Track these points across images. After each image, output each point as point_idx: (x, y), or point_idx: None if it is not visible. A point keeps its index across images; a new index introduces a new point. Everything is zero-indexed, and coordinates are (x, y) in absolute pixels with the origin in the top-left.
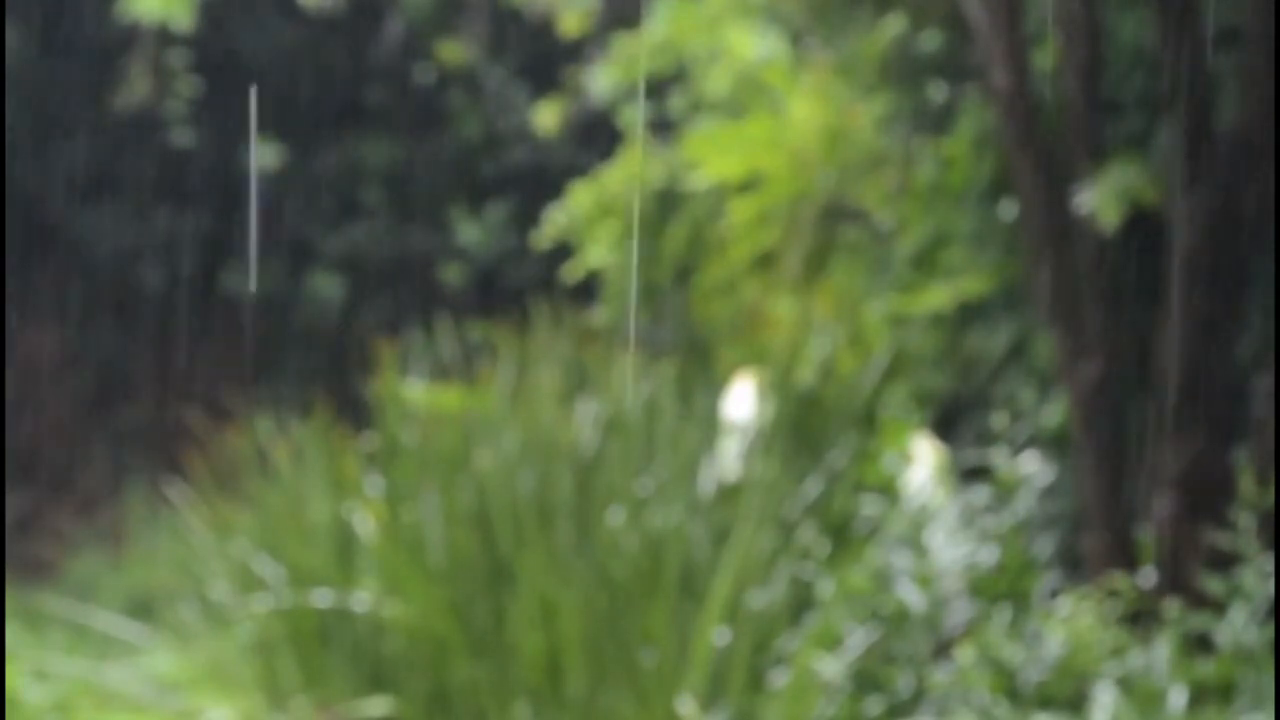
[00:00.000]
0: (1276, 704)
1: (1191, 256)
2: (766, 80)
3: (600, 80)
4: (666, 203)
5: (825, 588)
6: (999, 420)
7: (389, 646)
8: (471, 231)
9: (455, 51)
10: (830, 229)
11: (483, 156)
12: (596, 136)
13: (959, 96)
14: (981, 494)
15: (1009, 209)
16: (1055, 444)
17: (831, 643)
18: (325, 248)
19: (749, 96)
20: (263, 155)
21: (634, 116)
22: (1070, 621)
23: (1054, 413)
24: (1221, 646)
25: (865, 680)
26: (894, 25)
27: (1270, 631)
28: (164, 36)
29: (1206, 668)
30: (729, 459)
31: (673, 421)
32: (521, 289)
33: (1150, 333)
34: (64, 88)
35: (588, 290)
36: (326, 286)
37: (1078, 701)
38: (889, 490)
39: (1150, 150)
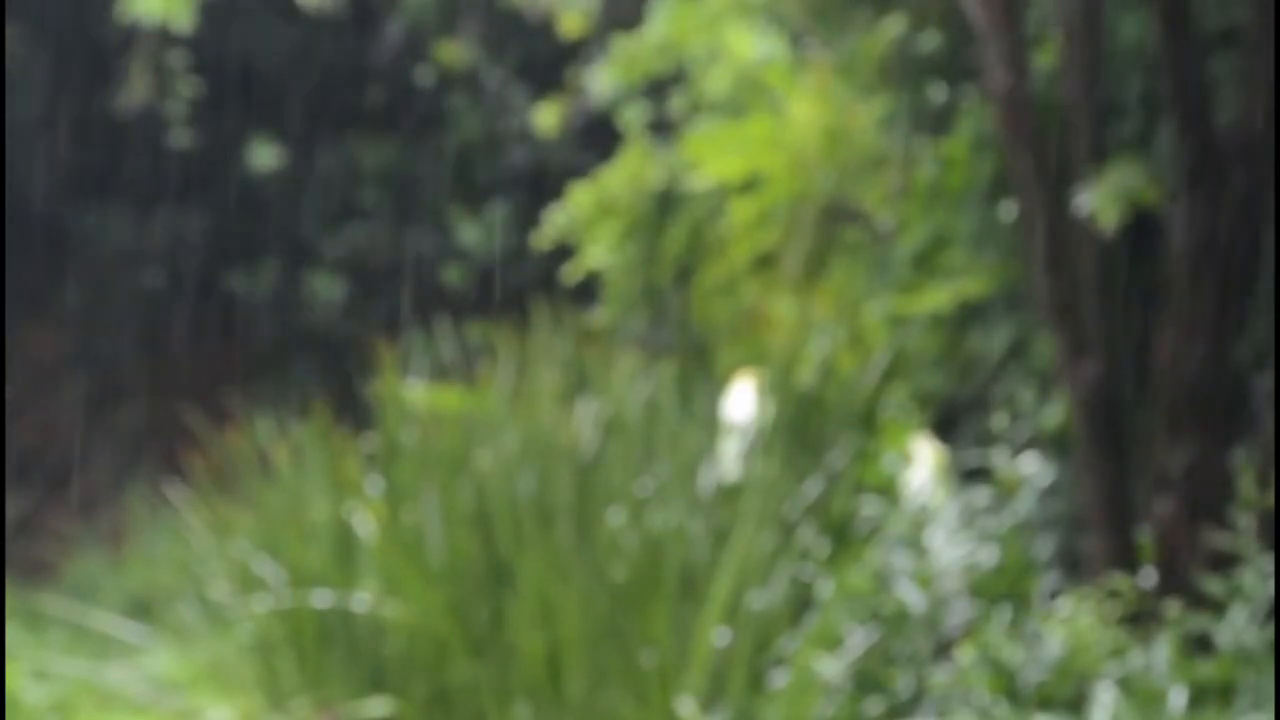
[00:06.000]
0: (1276, 704)
1: (1191, 257)
2: (766, 80)
3: (600, 80)
4: (666, 203)
5: (825, 588)
6: (999, 420)
7: (389, 646)
8: (471, 232)
9: (455, 52)
10: (830, 229)
11: (483, 157)
12: (596, 136)
13: (959, 96)
14: (981, 494)
15: (1009, 210)
16: (1055, 444)
17: (831, 643)
18: (325, 248)
19: (749, 96)
20: (263, 155)
21: (634, 116)
22: (1070, 622)
23: (1054, 413)
24: (1221, 647)
25: (865, 680)
26: (894, 25)
27: (1270, 632)
28: (164, 37)
29: (1206, 668)
30: (729, 459)
31: (673, 421)
32: (521, 289)
33: (1150, 333)
34: (64, 88)
35: (588, 290)
36: (326, 287)
37: (1078, 702)
38: (889, 491)
39: (1150, 150)
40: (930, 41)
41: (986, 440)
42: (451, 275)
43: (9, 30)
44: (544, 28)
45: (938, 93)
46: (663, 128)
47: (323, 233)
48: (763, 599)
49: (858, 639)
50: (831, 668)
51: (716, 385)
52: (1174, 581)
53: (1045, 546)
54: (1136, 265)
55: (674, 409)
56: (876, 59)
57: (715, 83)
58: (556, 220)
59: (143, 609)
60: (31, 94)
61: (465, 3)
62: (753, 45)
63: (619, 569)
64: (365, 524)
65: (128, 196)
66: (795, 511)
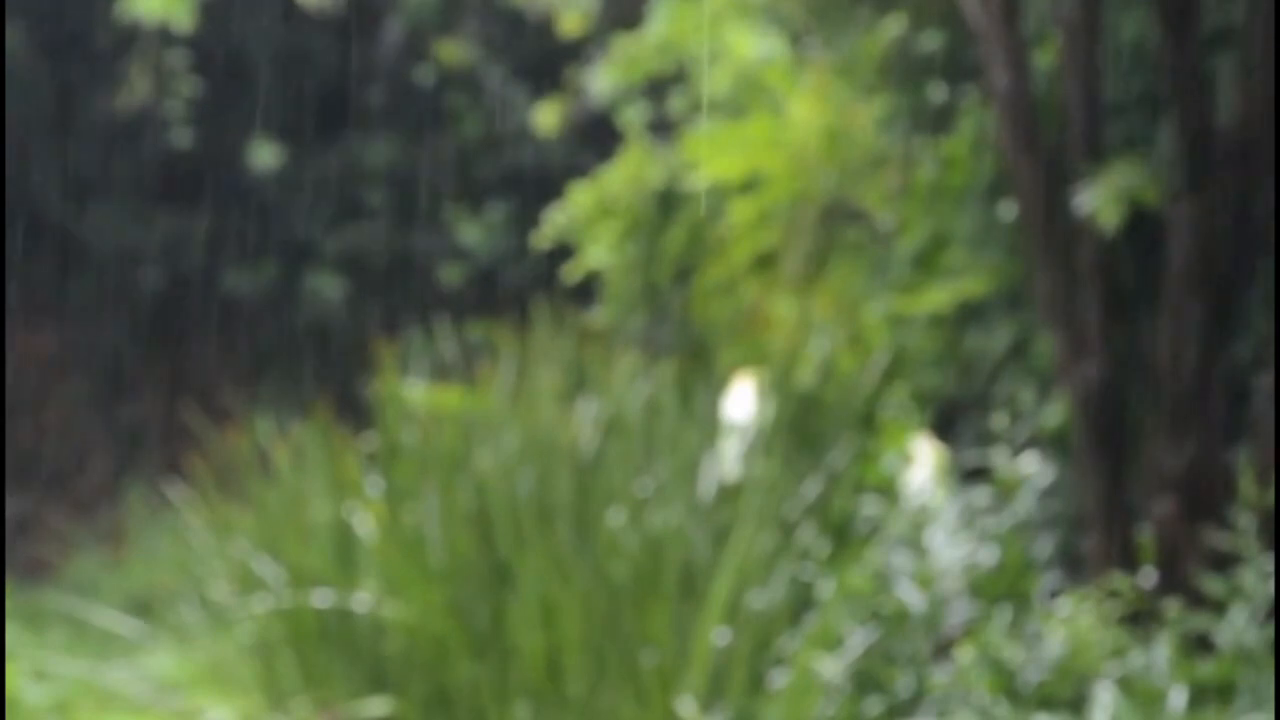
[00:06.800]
0: (1276, 704)
1: (1192, 257)
2: (766, 80)
3: (600, 80)
4: (666, 203)
5: (825, 588)
6: (999, 420)
7: (389, 646)
8: (471, 232)
9: (455, 52)
10: (830, 229)
11: (483, 156)
12: (596, 136)
13: (959, 96)
14: (981, 494)
15: (1009, 209)
16: (1055, 444)
17: (831, 643)
18: (325, 248)
19: (749, 96)
20: (263, 155)
21: (634, 116)
22: (1070, 622)
23: (1054, 413)
24: (1221, 647)
25: (865, 680)
26: (894, 25)
27: (1270, 632)
28: (164, 36)
29: (1206, 668)
30: (729, 459)
31: (673, 421)
32: (521, 289)
33: (1150, 333)
34: (64, 88)
35: (588, 290)
36: (326, 286)
37: (1078, 702)
38: (889, 490)
39: (1150, 150)
40: (930, 41)
41: (986, 440)
42: (451, 275)
43: (9, 30)
44: (544, 28)
45: (938, 93)
46: (663, 128)
47: (323, 232)
48: (763, 599)
49: (858, 639)
50: (831, 668)
51: (716, 385)
52: (1174, 581)
53: (1045, 546)
54: (1136, 265)
55: (674, 409)
56: (876, 59)
57: (715, 83)
58: (556, 220)
59: (143, 609)
60: (31, 94)
61: (465, 3)
62: (753, 45)
63: (619, 569)
64: (365, 524)
65: (128, 196)
66: (795, 511)
